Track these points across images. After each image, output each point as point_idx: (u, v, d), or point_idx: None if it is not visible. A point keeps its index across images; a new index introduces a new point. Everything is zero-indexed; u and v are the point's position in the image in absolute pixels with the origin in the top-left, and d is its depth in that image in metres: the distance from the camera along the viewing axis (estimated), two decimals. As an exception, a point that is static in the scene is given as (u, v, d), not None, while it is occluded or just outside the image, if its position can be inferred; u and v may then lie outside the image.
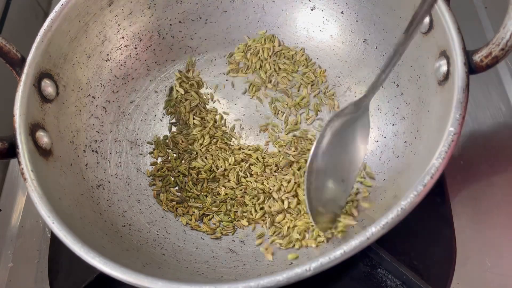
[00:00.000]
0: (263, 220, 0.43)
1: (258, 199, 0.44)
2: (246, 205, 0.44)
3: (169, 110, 0.51)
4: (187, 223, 0.44)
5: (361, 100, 0.39)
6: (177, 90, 0.51)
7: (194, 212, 0.45)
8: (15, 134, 0.36)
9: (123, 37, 0.49)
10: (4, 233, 0.49)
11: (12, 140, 0.36)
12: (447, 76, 0.35)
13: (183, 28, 0.52)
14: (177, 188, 0.46)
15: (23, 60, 0.39)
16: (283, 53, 0.52)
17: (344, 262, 0.29)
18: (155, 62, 0.52)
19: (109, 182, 0.45)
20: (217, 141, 0.49)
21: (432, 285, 0.38)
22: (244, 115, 0.50)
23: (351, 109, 0.39)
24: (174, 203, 0.45)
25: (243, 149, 0.48)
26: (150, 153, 0.49)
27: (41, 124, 0.39)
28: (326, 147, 0.39)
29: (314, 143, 0.38)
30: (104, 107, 0.48)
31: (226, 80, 0.53)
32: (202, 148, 0.48)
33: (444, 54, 0.35)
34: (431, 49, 0.37)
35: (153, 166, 0.48)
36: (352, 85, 0.49)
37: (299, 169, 0.45)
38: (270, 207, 0.44)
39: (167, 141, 0.49)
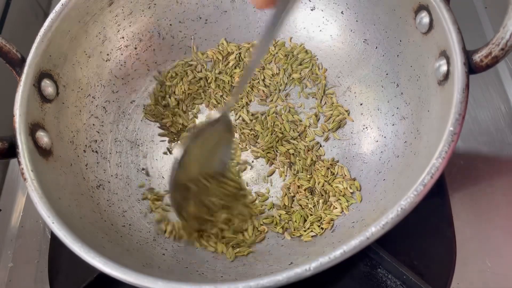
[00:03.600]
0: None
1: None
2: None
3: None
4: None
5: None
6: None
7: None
8: (15, 134, 0.36)
9: (123, 37, 0.49)
10: (4, 233, 0.49)
11: (12, 140, 0.36)
12: (447, 76, 0.35)
13: (183, 28, 0.52)
14: None
15: (23, 60, 0.39)
16: (280, 54, 0.52)
17: (344, 262, 0.29)
18: (155, 62, 0.52)
19: (109, 182, 0.45)
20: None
21: (432, 285, 0.38)
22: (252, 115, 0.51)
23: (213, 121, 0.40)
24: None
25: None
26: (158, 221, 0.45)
27: (41, 124, 0.39)
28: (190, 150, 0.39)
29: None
30: (104, 107, 0.48)
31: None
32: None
33: (444, 54, 0.35)
34: (431, 49, 0.37)
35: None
36: (352, 85, 0.49)
37: None
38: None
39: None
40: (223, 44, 0.53)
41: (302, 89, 0.51)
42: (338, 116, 0.48)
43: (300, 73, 0.51)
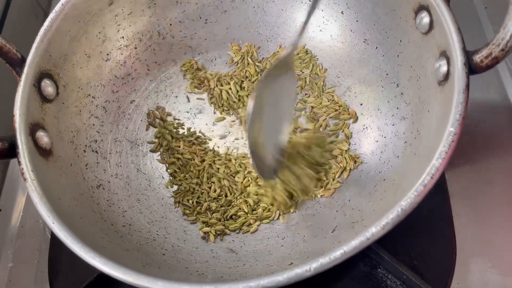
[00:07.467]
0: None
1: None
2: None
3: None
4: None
5: (287, 58, 0.40)
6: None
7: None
8: (15, 134, 0.36)
9: (123, 37, 0.49)
10: (4, 233, 0.49)
11: (12, 140, 0.36)
12: (447, 76, 0.35)
13: (183, 28, 0.52)
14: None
15: (23, 60, 0.39)
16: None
17: (344, 262, 0.29)
18: (155, 62, 0.52)
19: (109, 182, 0.45)
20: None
21: (432, 285, 0.38)
22: None
23: (281, 68, 0.40)
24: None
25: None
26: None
27: (41, 124, 0.39)
28: (263, 103, 0.39)
29: (252, 102, 0.37)
30: (104, 107, 0.48)
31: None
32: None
33: (444, 54, 0.35)
34: (431, 49, 0.37)
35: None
36: (352, 85, 0.49)
37: None
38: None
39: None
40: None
41: (301, 87, 0.51)
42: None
43: (302, 71, 0.51)
